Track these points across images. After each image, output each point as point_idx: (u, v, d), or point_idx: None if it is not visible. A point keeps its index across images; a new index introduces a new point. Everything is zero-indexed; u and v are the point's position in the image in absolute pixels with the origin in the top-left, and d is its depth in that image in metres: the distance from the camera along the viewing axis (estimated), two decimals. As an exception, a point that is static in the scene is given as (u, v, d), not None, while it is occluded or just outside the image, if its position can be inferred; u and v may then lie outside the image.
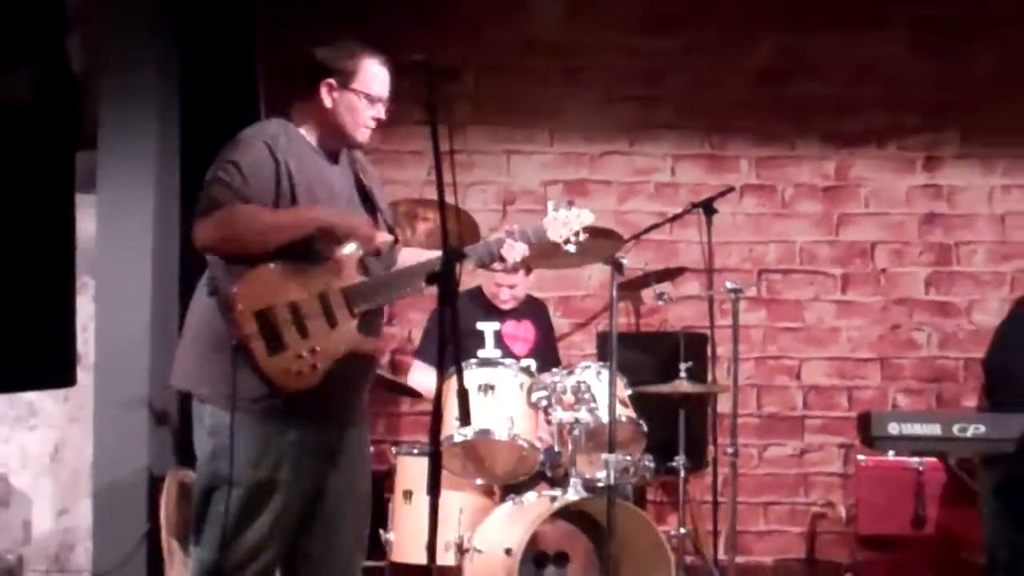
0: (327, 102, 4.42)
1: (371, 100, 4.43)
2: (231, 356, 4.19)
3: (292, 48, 4.87)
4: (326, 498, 4.49)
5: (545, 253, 5.77)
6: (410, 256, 4.68)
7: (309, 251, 4.28)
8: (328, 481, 4.48)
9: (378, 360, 4.63)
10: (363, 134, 4.48)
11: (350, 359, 4.34)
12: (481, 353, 6.13)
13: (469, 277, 7.18)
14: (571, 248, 5.45)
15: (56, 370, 3.27)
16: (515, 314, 6.90)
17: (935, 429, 5.84)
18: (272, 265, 4.22)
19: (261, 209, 4.21)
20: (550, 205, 4.82)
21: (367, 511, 4.68)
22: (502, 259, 4.63)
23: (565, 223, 4.77)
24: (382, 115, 4.47)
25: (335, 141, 4.50)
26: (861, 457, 7.30)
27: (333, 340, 4.29)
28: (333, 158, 4.51)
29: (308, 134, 4.48)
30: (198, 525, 4.42)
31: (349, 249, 4.31)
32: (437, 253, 4.30)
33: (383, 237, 4.46)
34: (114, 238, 6.54)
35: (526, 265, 5.43)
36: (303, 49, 4.53)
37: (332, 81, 4.41)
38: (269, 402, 4.26)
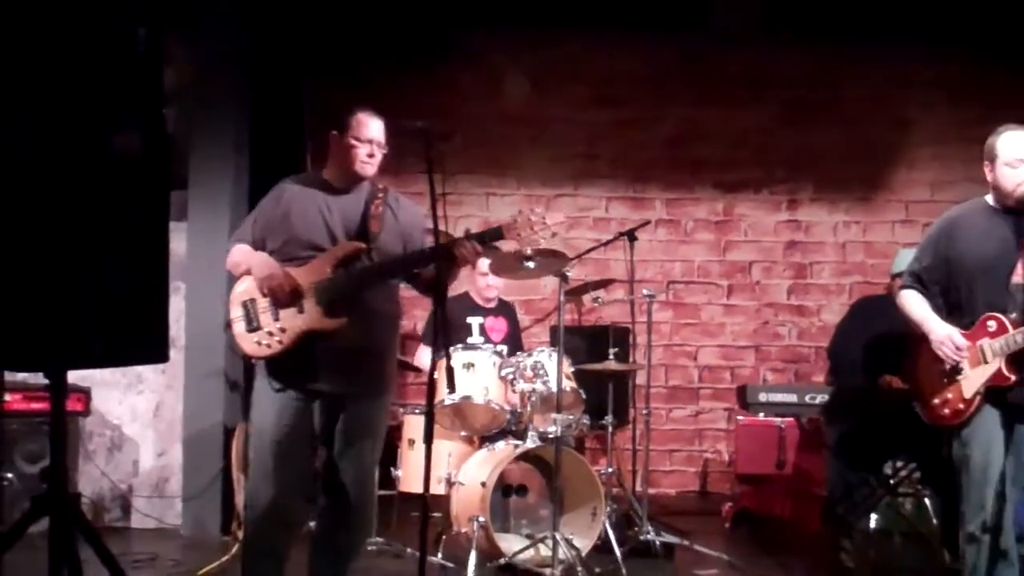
0: (335, 149, 4.47)
1: (362, 142, 4.43)
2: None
3: (329, 106, 4.86)
4: (336, 452, 4.47)
5: (511, 268, 5.80)
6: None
7: (294, 259, 4.37)
8: (335, 438, 4.46)
9: (368, 337, 4.40)
10: (363, 167, 4.44)
11: (320, 336, 4.32)
12: (469, 340, 6.12)
13: (457, 283, 7.23)
14: (531, 264, 5.49)
15: (155, 350, 3.26)
16: (493, 311, 6.89)
17: (792, 397, 5.90)
18: None
19: (241, 251, 4.49)
20: (520, 215, 4.57)
21: (367, 468, 4.59)
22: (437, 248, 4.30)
23: (532, 225, 4.50)
24: (376, 152, 4.44)
25: (347, 176, 4.46)
26: (740, 417, 7.30)
27: (297, 322, 4.32)
28: (345, 191, 4.47)
29: (330, 177, 4.50)
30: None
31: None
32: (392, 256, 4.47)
33: (351, 247, 4.43)
34: (199, 255, 6.57)
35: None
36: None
37: (335, 133, 4.45)
38: (266, 369, 4.39)
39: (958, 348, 4.44)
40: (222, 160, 6.60)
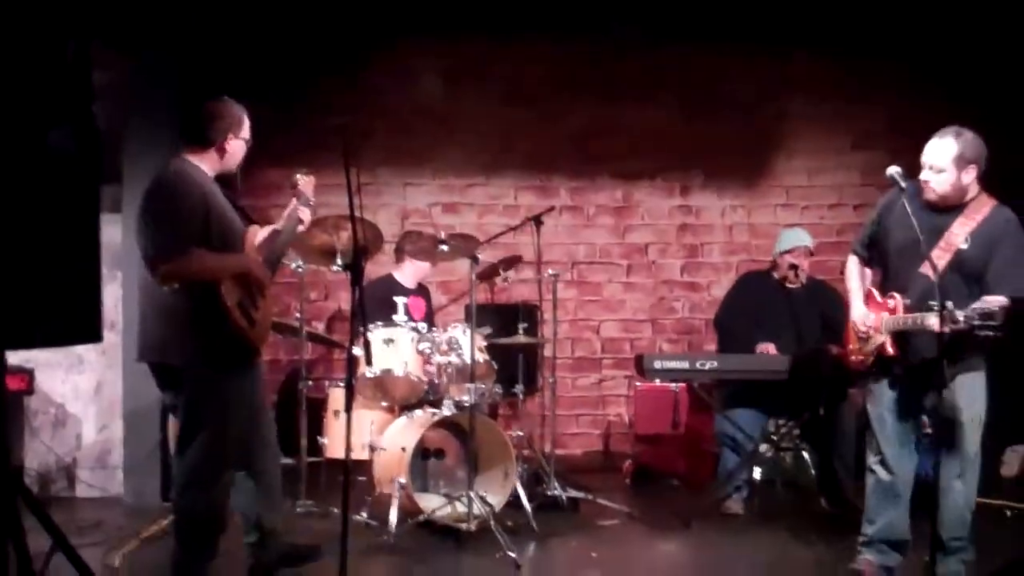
0: (228, 149, 4.41)
1: (248, 142, 4.48)
2: (206, 331, 4.19)
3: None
4: (257, 411, 4.55)
5: (428, 251, 5.81)
6: (260, 236, 4.65)
7: (226, 249, 4.32)
8: (257, 400, 4.54)
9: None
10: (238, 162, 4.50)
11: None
12: (395, 317, 6.11)
13: (381, 267, 7.23)
14: (445, 247, 5.51)
15: (89, 331, 3.24)
16: (414, 292, 6.90)
17: (685, 364, 5.94)
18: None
19: (209, 255, 4.19)
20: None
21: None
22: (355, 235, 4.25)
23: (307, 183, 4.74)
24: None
25: (225, 171, 4.48)
26: (638, 384, 7.38)
27: (269, 307, 4.42)
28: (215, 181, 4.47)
29: (207, 167, 4.42)
30: (181, 452, 4.37)
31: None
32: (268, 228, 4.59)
33: (256, 231, 4.51)
34: (134, 245, 6.39)
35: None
36: (208, 109, 4.46)
37: (231, 135, 4.40)
38: (230, 358, 4.28)
39: (866, 325, 4.70)
40: (154, 155, 6.42)
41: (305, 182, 4.73)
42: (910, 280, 4.55)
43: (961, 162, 4.49)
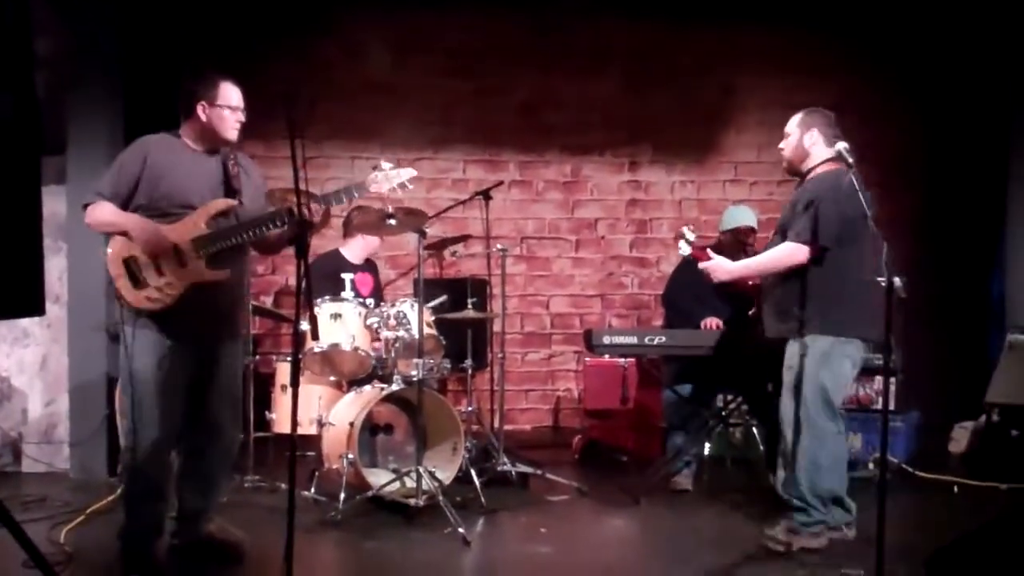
0: (204, 118, 4.41)
1: (232, 109, 4.43)
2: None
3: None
4: (207, 391, 4.50)
5: (376, 225, 5.77)
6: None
7: (165, 215, 4.33)
8: (206, 378, 4.48)
9: (235, 287, 4.51)
10: (232, 133, 4.46)
11: (201, 287, 4.34)
12: (343, 294, 6.07)
13: (327, 242, 7.18)
14: (393, 222, 5.47)
15: (31, 304, 3.19)
16: (361, 268, 6.85)
17: (633, 340, 5.93)
18: None
19: (111, 210, 4.32)
20: (378, 166, 4.59)
21: (239, 401, 4.72)
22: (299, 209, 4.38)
23: (389, 179, 4.55)
24: (243, 118, 4.47)
25: (213, 142, 4.46)
26: (587, 359, 7.41)
27: (182, 276, 4.31)
28: (203, 154, 4.46)
29: (190, 140, 4.45)
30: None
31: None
32: (267, 211, 4.42)
33: (223, 203, 4.42)
34: (79, 216, 6.29)
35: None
36: (183, 80, 4.50)
37: (204, 103, 4.38)
38: (147, 319, 4.30)
39: None
40: (98, 125, 6.41)
41: (391, 175, 4.57)
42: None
43: (803, 126, 5.07)
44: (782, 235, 4.95)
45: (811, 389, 4.76)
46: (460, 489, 5.75)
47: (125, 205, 4.34)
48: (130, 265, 4.27)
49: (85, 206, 4.39)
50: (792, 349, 4.86)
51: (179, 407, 4.40)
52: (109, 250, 4.30)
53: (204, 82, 4.43)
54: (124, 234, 4.29)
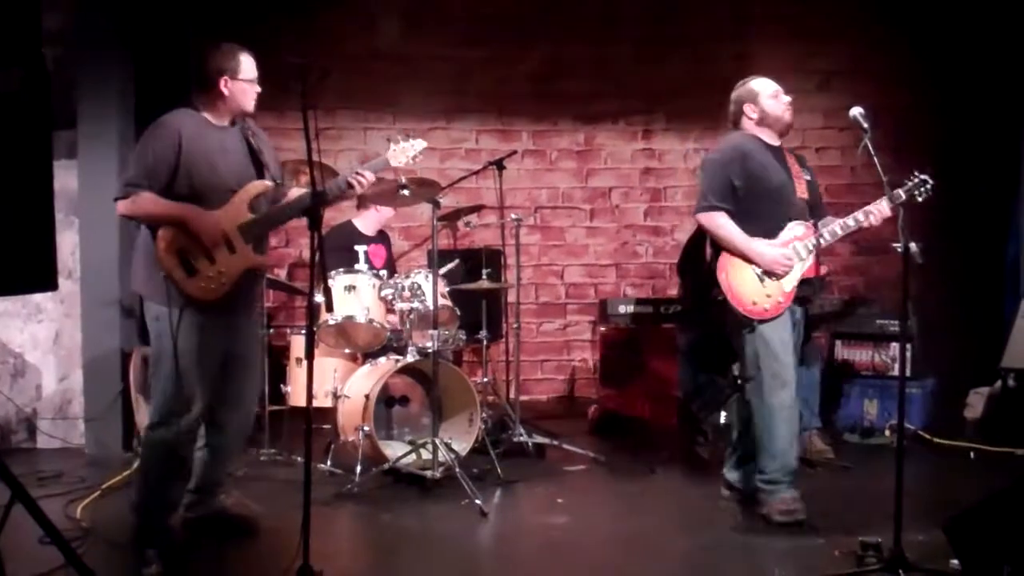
0: (226, 92, 4.37)
1: (251, 83, 4.42)
2: (156, 271, 4.24)
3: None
4: (232, 364, 4.48)
5: (390, 196, 5.76)
6: (292, 194, 4.62)
7: (209, 201, 4.29)
8: (233, 352, 4.47)
9: (266, 270, 4.64)
10: (252, 104, 4.44)
11: (248, 272, 4.38)
12: (356, 266, 6.08)
13: (340, 214, 7.16)
14: (406, 192, 5.46)
15: (44, 279, 3.19)
16: (375, 240, 6.84)
17: (649, 309, 5.96)
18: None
19: (156, 200, 4.21)
20: (390, 139, 4.71)
21: (258, 373, 4.79)
22: (351, 187, 4.49)
23: (404, 151, 4.66)
24: (259, 88, 4.45)
25: (233, 115, 4.44)
26: (603, 328, 7.40)
27: (234, 262, 4.31)
28: (223, 129, 4.43)
29: (209, 115, 4.41)
30: (152, 385, 4.43)
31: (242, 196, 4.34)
32: (304, 191, 4.44)
33: (262, 186, 4.42)
34: (91, 190, 6.38)
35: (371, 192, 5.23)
36: (203, 52, 4.44)
37: (227, 77, 4.35)
38: (192, 305, 4.25)
39: (788, 259, 4.70)
40: (109, 99, 6.40)
41: (403, 148, 4.68)
42: (783, 217, 4.75)
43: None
44: (813, 204, 4.89)
45: None
46: (476, 460, 5.76)
47: (163, 192, 4.24)
48: (183, 255, 4.23)
49: (116, 199, 4.28)
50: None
51: (211, 384, 4.39)
52: (160, 244, 4.19)
53: (225, 55, 4.38)
54: (176, 224, 4.22)
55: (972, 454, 6.22)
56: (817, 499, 4.89)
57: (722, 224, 4.79)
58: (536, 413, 7.52)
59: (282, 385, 6.28)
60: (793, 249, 4.73)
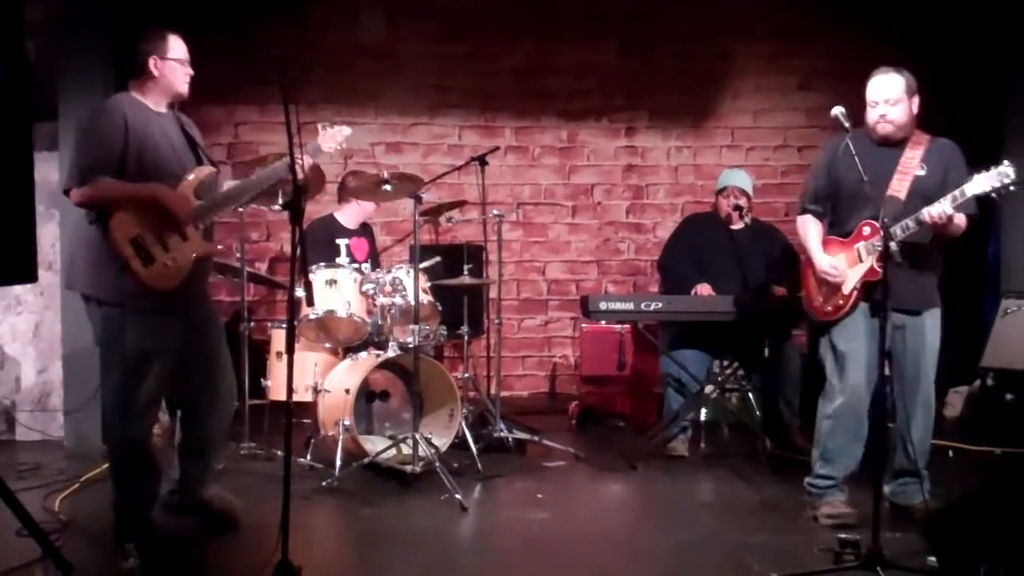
0: (156, 72, 4.31)
1: (181, 63, 4.37)
2: (115, 268, 4.13)
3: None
4: (204, 364, 4.46)
5: (371, 191, 5.75)
6: (226, 185, 4.59)
7: None
8: (197, 350, 4.43)
9: (213, 258, 4.57)
10: (185, 87, 4.39)
11: (199, 262, 4.33)
12: (338, 260, 6.07)
13: (322, 207, 7.14)
14: (388, 187, 5.45)
15: (23, 271, 3.18)
16: (357, 233, 6.82)
17: (630, 306, 5.94)
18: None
19: (118, 183, 4.12)
20: (319, 126, 4.72)
21: (230, 366, 4.63)
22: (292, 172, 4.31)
23: (332, 136, 4.68)
24: (191, 71, 4.40)
25: (166, 98, 4.38)
26: (584, 325, 7.41)
27: (187, 249, 4.26)
28: (160, 114, 4.36)
29: (146, 99, 4.34)
30: (103, 387, 4.37)
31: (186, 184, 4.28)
32: (239, 181, 4.49)
33: (208, 171, 4.38)
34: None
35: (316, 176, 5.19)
36: (135, 38, 4.39)
37: (156, 57, 4.31)
38: (143, 300, 4.18)
39: (837, 269, 4.71)
40: (90, 91, 6.34)
41: (331, 134, 4.70)
42: (865, 212, 4.65)
43: (910, 92, 4.71)
44: (921, 197, 4.59)
45: (936, 358, 4.82)
46: (457, 455, 5.76)
47: (115, 177, 4.15)
48: (138, 244, 4.14)
49: (67, 192, 4.17)
50: (938, 319, 4.86)
51: (167, 381, 4.34)
52: (116, 233, 4.10)
53: (152, 37, 4.33)
54: (147, 203, 4.16)
55: (951, 453, 6.25)
56: (795, 495, 4.93)
57: (799, 227, 4.95)
58: (517, 409, 7.51)
59: (262, 379, 6.26)
60: (856, 251, 4.69)
